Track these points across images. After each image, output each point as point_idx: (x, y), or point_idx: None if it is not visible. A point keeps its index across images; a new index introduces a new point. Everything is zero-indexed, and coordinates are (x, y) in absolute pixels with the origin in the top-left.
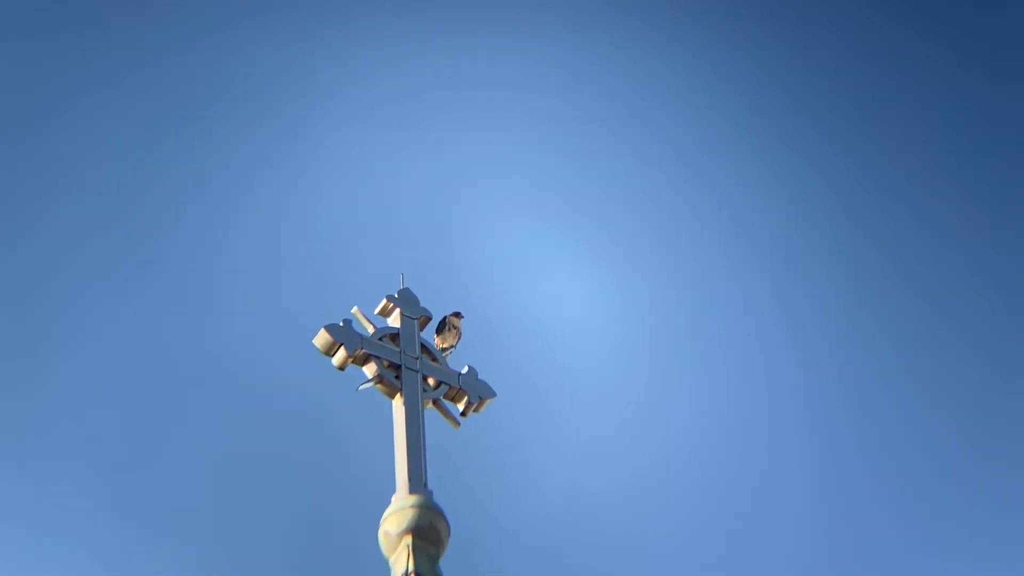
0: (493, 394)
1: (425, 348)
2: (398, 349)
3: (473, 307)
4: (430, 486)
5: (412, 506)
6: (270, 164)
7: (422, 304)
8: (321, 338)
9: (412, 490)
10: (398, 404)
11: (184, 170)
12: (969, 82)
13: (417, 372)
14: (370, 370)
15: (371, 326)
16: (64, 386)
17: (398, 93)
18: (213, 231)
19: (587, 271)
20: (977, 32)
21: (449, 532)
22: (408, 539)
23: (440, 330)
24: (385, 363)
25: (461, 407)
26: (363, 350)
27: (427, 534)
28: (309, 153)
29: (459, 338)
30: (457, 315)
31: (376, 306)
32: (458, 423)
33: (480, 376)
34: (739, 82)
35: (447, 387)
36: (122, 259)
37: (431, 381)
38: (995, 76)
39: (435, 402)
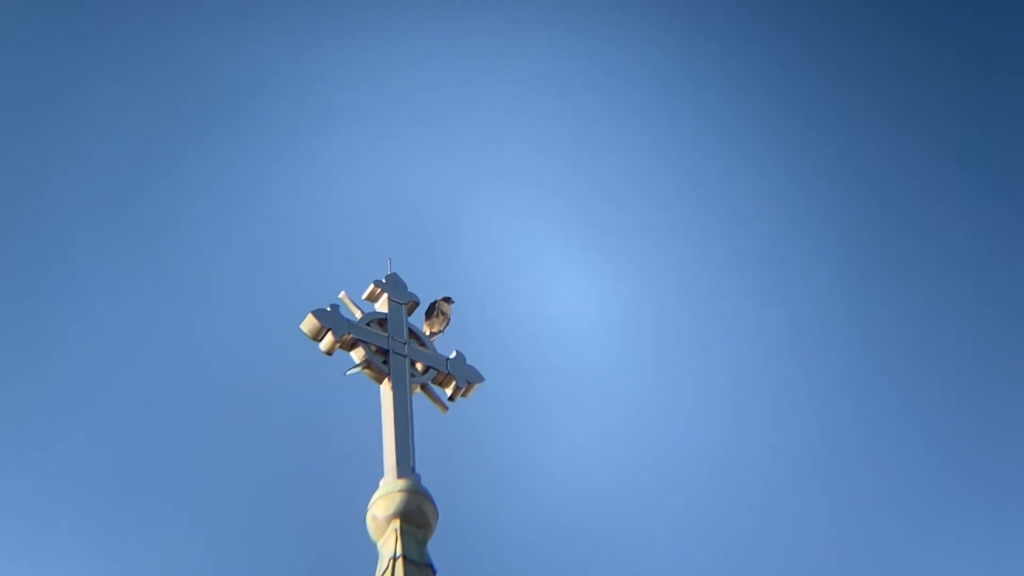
0: (481, 379)
1: (413, 333)
2: (386, 334)
3: (463, 292)
4: (418, 470)
5: (400, 490)
6: (261, 154)
7: (410, 289)
8: (308, 323)
9: (400, 474)
10: (386, 389)
11: (176, 160)
12: (972, 82)
13: (405, 357)
14: (358, 355)
15: (359, 311)
16: (58, 372)
17: (391, 84)
18: (204, 217)
19: (581, 257)
20: (978, 32)
21: (437, 516)
22: (396, 523)
23: (428, 315)
24: (373, 348)
25: (449, 392)
26: (351, 335)
27: (415, 518)
28: (299, 142)
29: (447, 323)
30: (447, 300)
31: (364, 291)
32: (446, 408)
33: (468, 361)
34: (742, 83)
35: (435, 372)
36: (116, 249)
37: (419, 366)
38: (999, 76)
39: (423, 387)
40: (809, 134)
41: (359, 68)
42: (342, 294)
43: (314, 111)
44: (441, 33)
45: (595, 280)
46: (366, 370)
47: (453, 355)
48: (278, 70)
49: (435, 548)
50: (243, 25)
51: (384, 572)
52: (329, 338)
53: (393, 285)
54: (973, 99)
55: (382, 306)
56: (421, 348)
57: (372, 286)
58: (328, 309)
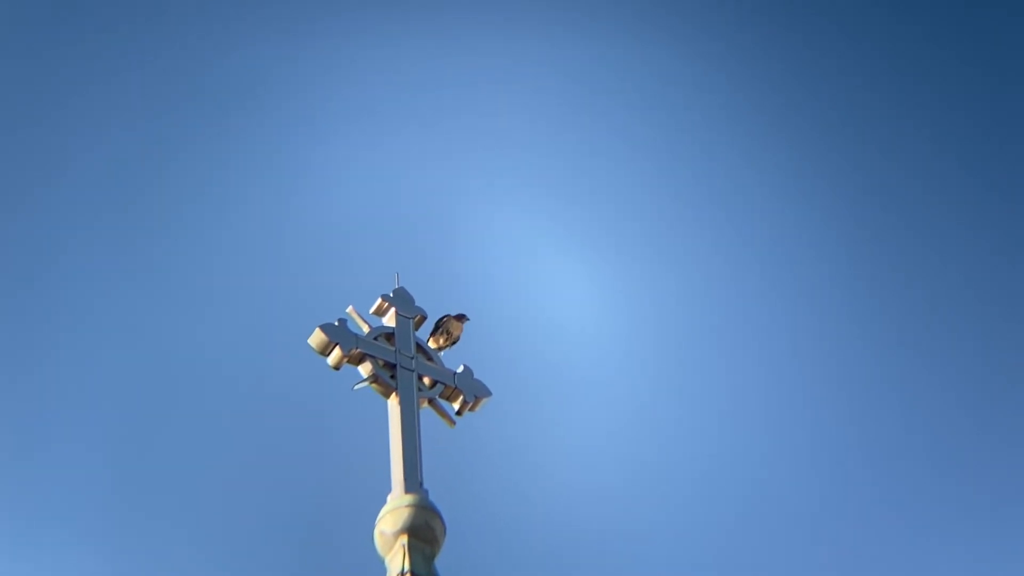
0: (488, 393)
1: (420, 347)
2: (393, 348)
3: (470, 306)
4: (426, 485)
5: (408, 505)
6: (267, 164)
7: (418, 303)
8: (316, 337)
9: (408, 489)
10: (393, 403)
11: (180, 169)
12: (972, 81)
13: (412, 371)
14: (365, 369)
15: (366, 325)
16: (62, 381)
17: (396, 92)
18: (209, 229)
19: (586, 270)
20: (978, 32)
21: (445, 531)
22: (404, 538)
23: (435, 330)
24: (380, 362)
25: (456, 406)
26: (358, 349)
27: (423, 533)
28: (306, 152)
29: (451, 342)
30: (460, 318)
31: (371, 306)
32: (453, 422)
33: (476, 375)
34: (741, 82)
35: (443, 386)
36: (119, 256)
37: (427, 380)
38: (999, 75)
39: (430, 401)
40: (809, 134)
41: (365, 73)
42: (350, 308)
43: (321, 120)
44: (445, 36)
45: (604, 290)
46: (373, 384)
47: (460, 369)
48: (278, 73)
49: (443, 563)
50: (245, 28)
51: None
52: (337, 352)
53: (400, 299)
54: (975, 99)
55: (389, 320)
56: (428, 362)
57: (380, 300)
58: (336, 323)
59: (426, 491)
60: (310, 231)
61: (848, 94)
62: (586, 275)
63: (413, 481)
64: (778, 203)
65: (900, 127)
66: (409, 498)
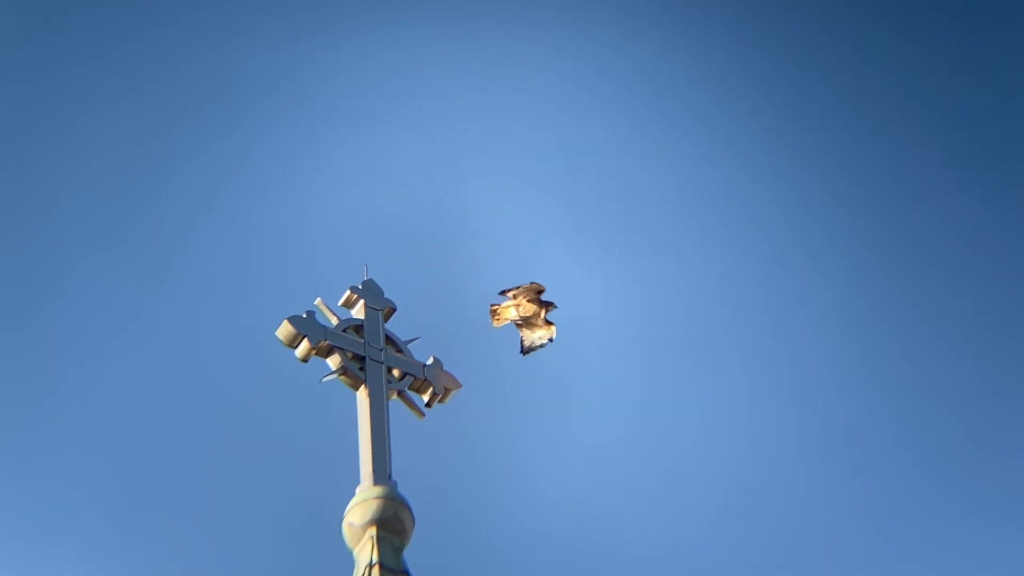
0: (458, 385)
1: (389, 339)
2: (362, 340)
3: (439, 297)
4: (395, 477)
5: (376, 497)
6: (238, 159)
7: (387, 295)
8: (284, 330)
9: (376, 481)
10: (362, 396)
11: (156, 165)
12: (972, 84)
13: (381, 363)
14: (334, 362)
15: (335, 318)
16: (41, 373)
17: (370, 85)
18: (177, 224)
19: (561, 263)
20: (978, 35)
21: (413, 523)
22: (372, 530)
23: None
24: (349, 355)
25: (426, 398)
26: (327, 341)
27: (391, 525)
28: (275, 145)
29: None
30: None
31: (340, 298)
32: (423, 414)
33: (445, 367)
34: (745, 80)
35: (412, 378)
36: (93, 255)
37: (396, 372)
38: (997, 77)
39: (400, 393)
40: (813, 133)
41: (339, 68)
42: (318, 300)
43: (290, 113)
44: (428, 31)
45: (579, 281)
46: (342, 377)
47: (430, 361)
48: (262, 69)
49: (411, 555)
50: (227, 23)
51: None
52: (305, 345)
53: (369, 291)
54: (975, 101)
55: (358, 312)
56: (398, 354)
57: (348, 292)
58: (304, 315)
59: (395, 483)
60: (279, 224)
61: (853, 93)
62: (560, 267)
63: (382, 473)
64: (779, 204)
65: (903, 127)
66: (378, 490)
